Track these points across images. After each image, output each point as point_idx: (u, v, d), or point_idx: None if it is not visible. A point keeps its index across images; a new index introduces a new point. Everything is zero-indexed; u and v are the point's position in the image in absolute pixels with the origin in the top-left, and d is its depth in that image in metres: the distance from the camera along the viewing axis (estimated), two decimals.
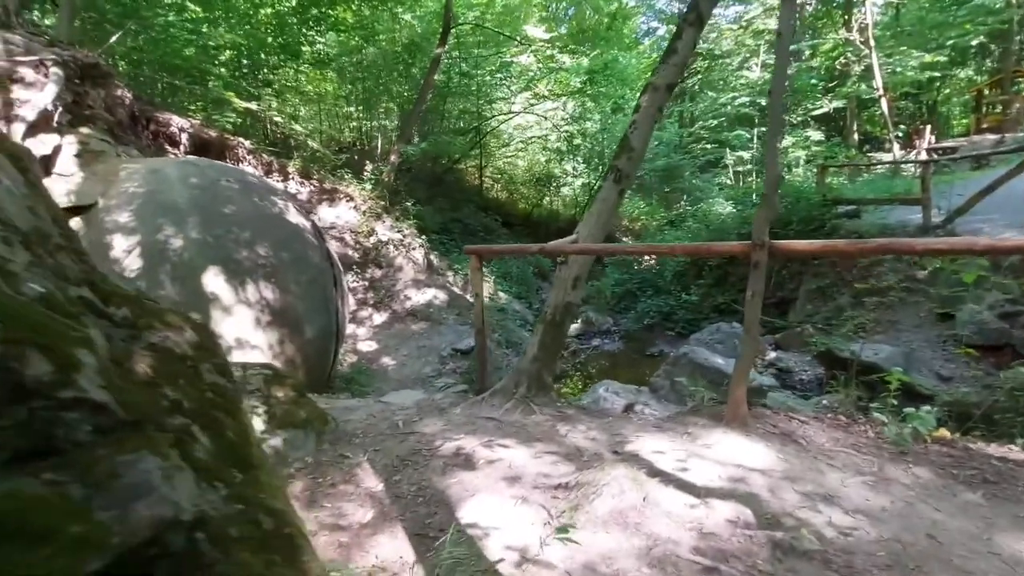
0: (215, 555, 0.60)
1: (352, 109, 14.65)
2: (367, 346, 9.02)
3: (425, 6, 14.45)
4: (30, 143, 4.95)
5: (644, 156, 4.37)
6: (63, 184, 5.18)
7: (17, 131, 4.74)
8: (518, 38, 14.56)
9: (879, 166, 13.63)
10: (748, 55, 18.86)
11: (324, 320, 6.07)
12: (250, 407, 3.17)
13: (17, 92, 4.99)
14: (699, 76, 19.15)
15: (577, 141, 16.87)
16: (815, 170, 11.73)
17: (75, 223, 5.09)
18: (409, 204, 11.74)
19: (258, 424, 3.10)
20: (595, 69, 13.79)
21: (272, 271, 5.53)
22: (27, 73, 5.18)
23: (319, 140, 13.62)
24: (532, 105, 15.31)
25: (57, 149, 5.26)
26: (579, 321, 11.65)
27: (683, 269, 10.80)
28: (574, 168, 18.27)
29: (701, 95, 19.98)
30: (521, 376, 3.92)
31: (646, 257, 13.29)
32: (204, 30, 11.68)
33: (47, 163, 5.17)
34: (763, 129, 15.30)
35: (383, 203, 11.69)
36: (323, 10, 12.18)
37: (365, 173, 11.70)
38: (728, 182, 17.30)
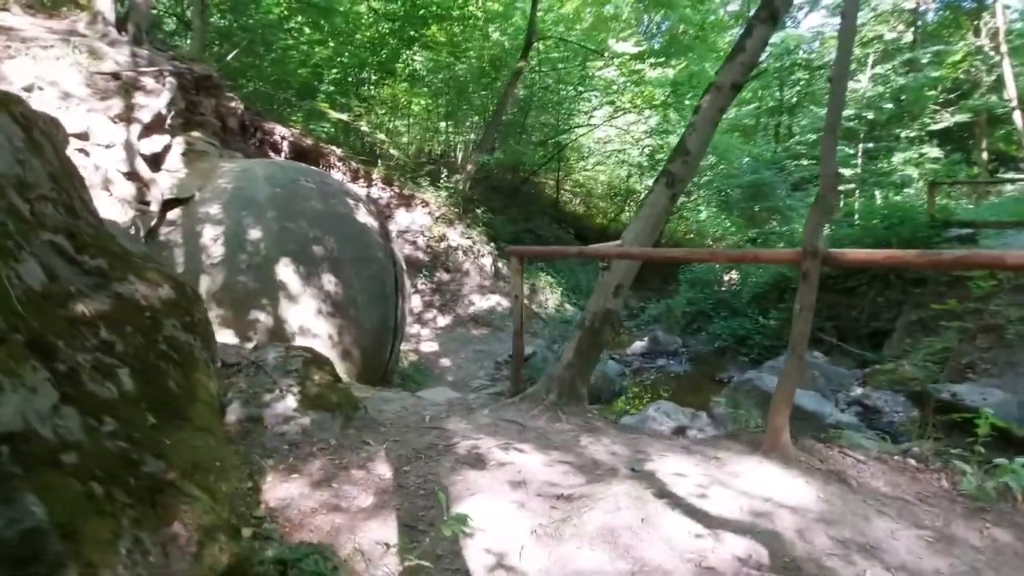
0: (14, 469, 0.61)
1: (439, 122, 15.32)
2: (428, 346, 9.26)
3: (513, 23, 14.84)
4: (144, 142, 5.65)
5: (701, 161, 4.11)
6: (169, 179, 5.86)
7: (134, 131, 5.44)
8: (603, 52, 14.48)
9: (1006, 184, 11.84)
10: (856, 65, 17.33)
11: (382, 314, 6.31)
12: (286, 386, 3.35)
13: (138, 98, 5.73)
14: (798, 88, 17.87)
15: (660, 155, 16.37)
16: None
17: (175, 213, 5.74)
18: (479, 211, 11.97)
19: (291, 402, 3.26)
20: (680, 81, 13.35)
21: (336, 265, 5.85)
22: (148, 82, 5.94)
23: (408, 151, 14.39)
24: (613, 117, 15.10)
25: (167, 148, 5.96)
26: (646, 339, 11.21)
27: (763, 291, 10.03)
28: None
29: (801, 109, 18.63)
30: (553, 383, 3.80)
31: (725, 277, 12.53)
32: (316, 50, 12.82)
33: (158, 160, 5.87)
34: (869, 145, 13.94)
35: (457, 210, 12.03)
36: (419, 31, 12.89)
37: (442, 181, 12.12)
38: None
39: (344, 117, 10.79)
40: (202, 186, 5.87)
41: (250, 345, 5.41)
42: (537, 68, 14.33)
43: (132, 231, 5.18)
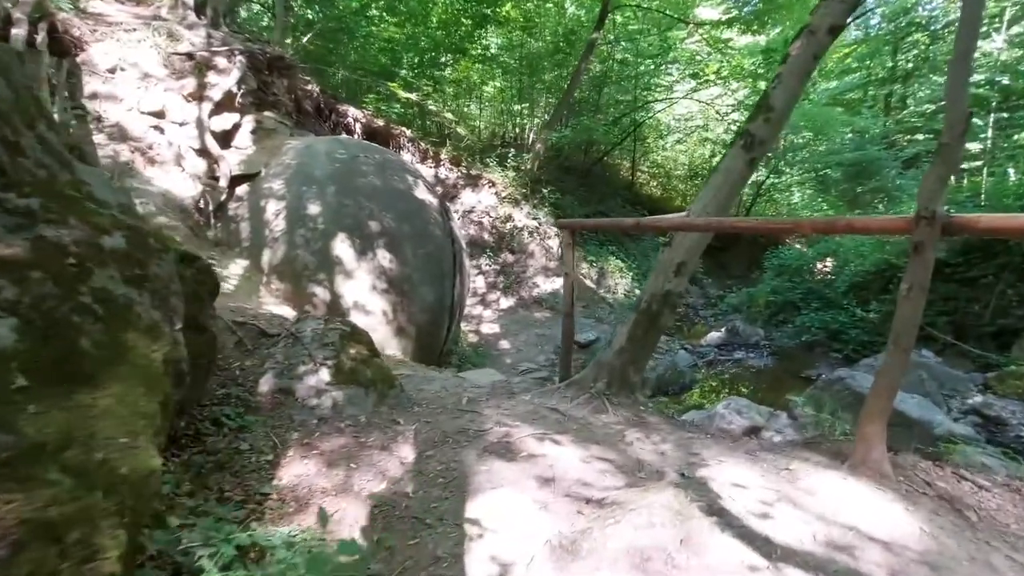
0: None
1: (512, 103, 15.02)
2: (489, 328, 9.13)
3: None
4: (215, 120, 5.86)
5: (786, 121, 3.51)
6: (237, 155, 6.06)
7: (205, 109, 5.64)
8: (687, 19, 13.42)
9: None
10: (987, 24, 14.76)
11: (438, 293, 6.20)
12: (320, 359, 3.26)
13: (210, 77, 5.93)
14: (915, 53, 15.59)
15: None
16: None
17: (243, 189, 5.93)
18: (546, 191, 11.59)
19: (324, 376, 3.17)
20: (773, 47, 12.04)
21: (392, 241, 5.79)
22: (220, 61, 6.15)
23: (479, 132, 14.27)
24: (696, 91, 14.02)
25: (237, 126, 6.16)
26: (723, 330, 10.38)
27: (863, 281, 8.88)
28: None
29: (919, 78, 16.28)
30: (602, 369, 3.45)
31: (819, 265, 11.29)
32: (392, 32, 12.94)
33: (228, 137, 6.08)
34: (1004, 115, 11.89)
35: (524, 191, 11.74)
36: (493, 8, 12.59)
37: (510, 161, 11.86)
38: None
39: (413, 97, 10.78)
40: (268, 163, 6.02)
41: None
42: (613, 40, 13.57)
43: (201, 205, 5.40)
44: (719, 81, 13.51)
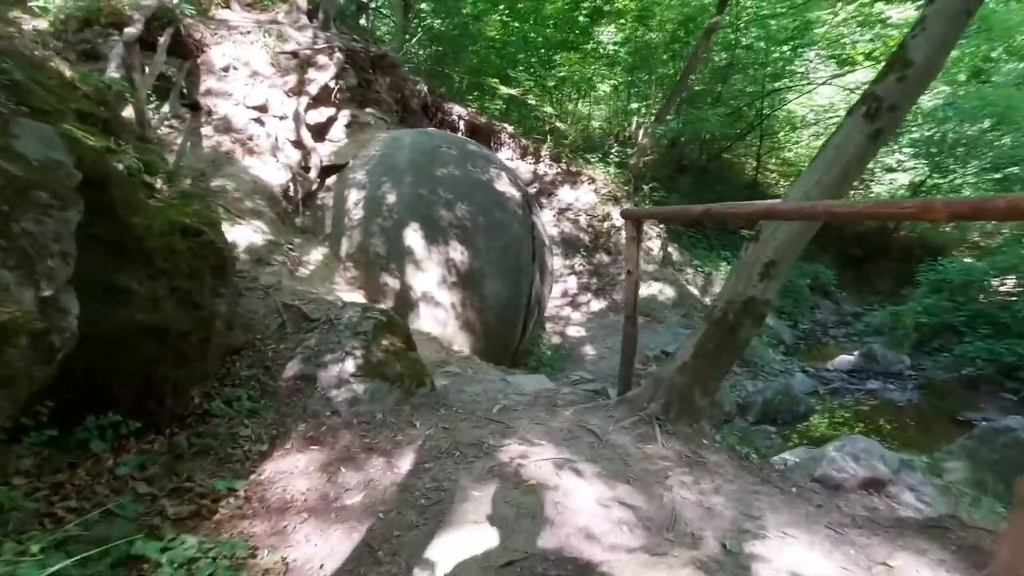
0: None
1: (622, 97, 14.29)
2: (575, 331, 8.63)
3: None
4: (311, 113, 6.13)
5: (928, 81, 2.61)
6: (330, 147, 6.29)
7: (303, 103, 5.90)
8: None
9: None
10: None
11: (512, 290, 5.90)
12: (349, 348, 3.10)
13: (311, 73, 6.22)
14: None
15: (908, 123, 12.68)
16: None
17: (332, 179, 6.14)
18: (647, 189, 10.74)
19: (349, 367, 3.00)
20: None
21: (466, 233, 5.59)
22: (321, 59, 6.43)
23: (587, 128, 13.76)
24: (838, 75, 12.15)
25: (332, 119, 6.40)
26: (857, 354, 8.77)
27: None
28: (897, 162, 13.86)
29: None
30: (660, 387, 2.86)
31: (994, 283, 9.07)
32: (508, 37, 12.99)
33: (323, 130, 6.34)
34: None
35: (626, 188, 11.03)
36: (608, 3, 12.03)
37: (612, 156, 11.21)
38: None
39: (514, 92, 10.61)
40: (356, 154, 6.17)
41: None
42: (737, 24, 12.24)
43: (290, 193, 5.66)
44: (868, 63, 11.53)
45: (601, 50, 12.93)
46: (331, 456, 2.34)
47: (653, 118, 11.73)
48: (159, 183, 2.39)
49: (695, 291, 10.10)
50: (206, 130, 5.29)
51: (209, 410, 2.49)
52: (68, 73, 2.70)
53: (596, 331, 8.62)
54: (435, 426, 2.73)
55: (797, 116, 14.69)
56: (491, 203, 5.94)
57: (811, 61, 13.25)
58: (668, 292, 9.39)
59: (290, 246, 4.97)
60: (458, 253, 5.54)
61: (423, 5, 14.22)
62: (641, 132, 12.73)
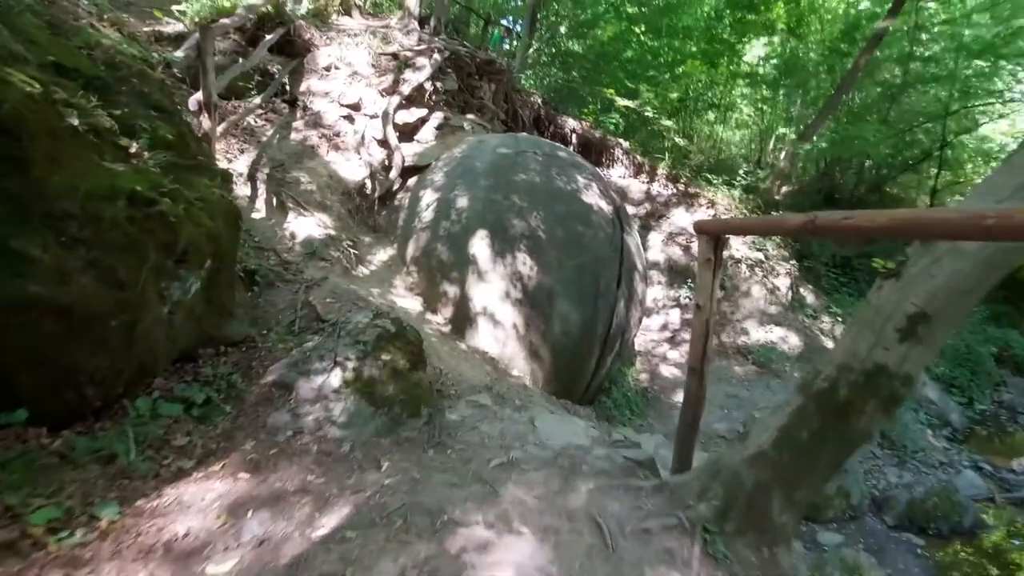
0: None
1: (765, 115, 12.72)
2: (669, 372, 7.51)
3: None
4: (402, 113, 6.02)
5: None
6: (417, 148, 6.12)
7: (393, 102, 5.81)
8: None
9: None
10: None
11: (587, 316, 5.14)
12: (342, 359, 2.65)
13: (407, 74, 6.14)
14: None
15: None
16: None
17: (413, 181, 5.95)
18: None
19: (334, 381, 2.55)
20: None
21: (537, 245, 4.99)
22: (421, 60, 6.34)
23: (719, 151, 12.46)
24: None
25: (423, 120, 6.25)
26: None
27: None
28: None
29: None
30: (716, 478, 1.97)
31: None
32: (651, 59, 12.35)
33: (413, 131, 6.21)
34: None
35: (753, 215, 9.59)
36: (760, 13, 10.80)
37: (739, 178, 9.85)
38: None
39: (631, 104, 9.83)
40: (440, 156, 5.91)
41: (436, 317, 5.13)
42: (915, 32, 10.18)
43: (368, 191, 5.53)
44: None
45: (745, 66, 11.62)
46: (256, 491, 1.87)
47: (795, 137, 10.13)
48: (135, 146, 2.15)
49: (830, 344, 8.33)
50: (297, 124, 5.38)
51: (156, 410, 2.17)
52: (106, 41, 2.63)
53: None
54: (403, 473, 2.15)
55: (993, 143, 11.83)
56: (572, 215, 5.27)
57: (1018, 77, 10.60)
58: (793, 341, 7.84)
59: (350, 243, 4.78)
60: (526, 267, 4.94)
61: (562, 29, 14.15)
62: (783, 155, 11.12)
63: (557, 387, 5.25)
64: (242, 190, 4.55)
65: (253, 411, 2.38)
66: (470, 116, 7.12)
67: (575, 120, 11.10)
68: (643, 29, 12.29)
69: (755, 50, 12.09)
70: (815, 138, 9.39)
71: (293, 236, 4.36)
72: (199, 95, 3.67)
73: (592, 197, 5.57)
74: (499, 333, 5.00)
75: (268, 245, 4.16)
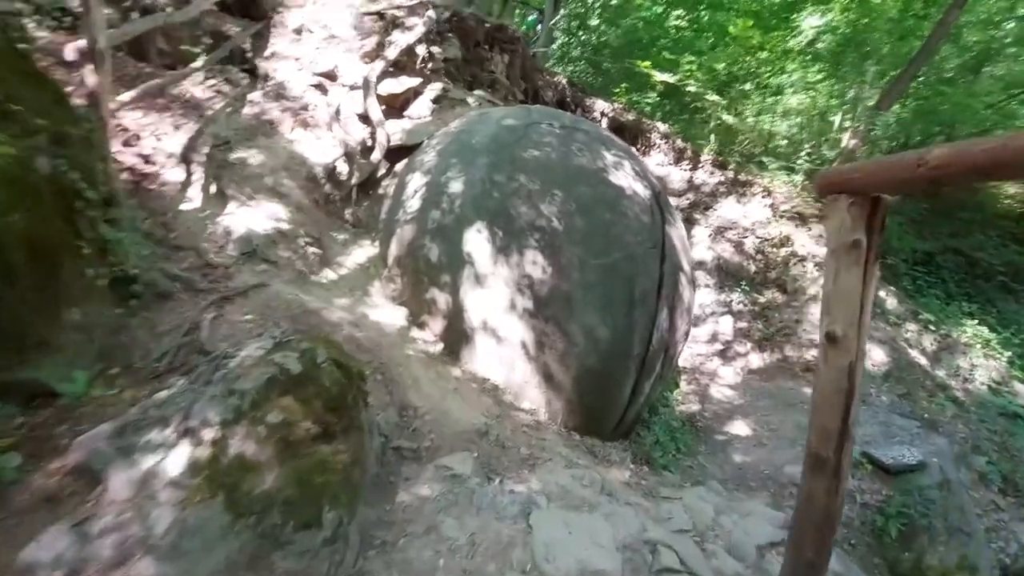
0: None
1: (823, 92, 11.11)
2: (722, 395, 6.19)
3: None
4: (387, 82, 4.95)
5: None
6: (405, 124, 5.03)
7: (376, 68, 4.75)
8: None
9: None
10: None
11: (619, 330, 3.91)
12: (196, 426, 1.55)
13: (394, 35, 5.08)
14: None
15: None
16: None
17: (400, 165, 4.87)
18: None
19: (170, 465, 1.45)
20: None
21: (551, 239, 3.82)
22: (412, 21, 5.27)
23: (771, 135, 10.96)
24: None
25: (416, 92, 5.17)
26: None
27: None
28: None
29: None
30: None
31: None
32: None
33: (403, 104, 5.13)
34: None
35: (818, 205, 8.13)
36: None
37: (801, 161, 8.38)
38: None
39: (670, 79, 8.50)
40: (434, 133, 4.82)
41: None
42: None
43: (343, 176, 4.48)
44: None
45: (799, 39, 10.09)
46: None
47: (868, 109, 8.55)
48: None
49: (921, 359, 6.79)
50: (254, 96, 4.39)
51: None
52: None
53: (755, 399, 6.06)
54: None
55: None
56: (598, 200, 4.06)
57: None
58: (876, 355, 6.38)
59: (310, 240, 3.72)
60: (538, 268, 3.78)
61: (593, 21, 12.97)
62: (847, 134, 9.55)
63: (581, 420, 4.08)
64: (173, 175, 3.57)
65: (14, 527, 1.30)
66: (478, 92, 6.01)
67: (605, 102, 9.87)
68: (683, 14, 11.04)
69: (811, 19, 10.58)
70: (894, 108, 7.83)
71: (228, 232, 3.34)
72: (80, 42, 2.70)
73: (624, 178, 4.35)
74: (504, 353, 3.84)
75: (190, 243, 3.14)
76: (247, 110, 4.26)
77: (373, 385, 2.96)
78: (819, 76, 10.81)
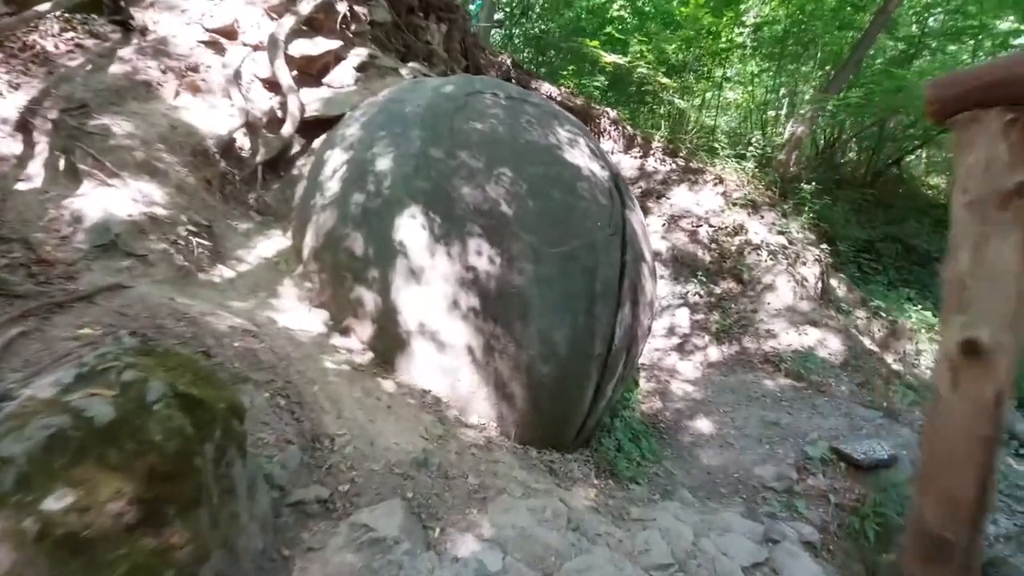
0: None
1: (767, 82, 11.12)
2: (683, 391, 5.83)
3: None
4: (302, 43, 4.19)
5: None
6: (324, 93, 4.29)
7: (286, 24, 3.98)
8: None
9: None
10: None
11: (579, 329, 3.38)
12: None
13: None
14: None
15: None
16: None
17: (319, 141, 4.13)
18: (808, 190, 7.62)
19: None
20: None
21: (499, 225, 3.23)
22: None
23: (709, 121, 10.85)
24: None
25: (335, 57, 4.42)
26: None
27: None
28: None
29: None
30: None
31: None
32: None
33: (321, 70, 4.37)
34: None
35: (769, 192, 8.01)
36: None
37: (751, 149, 8.22)
38: None
39: (620, 59, 8.11)
40: (357, 103, 4.10)
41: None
42: None
43: (245, 153, 3.70)
44: None
45: (742, 32, 9.98)
46: None
47: (810, 100, 8.51)
48: None
49: (871, 345, 6.76)
50: (125, 52, 3.52)
51: None
52: None
53: (718, 395, 5.74)
54: None
55: None
56: (552, 180, 3.52)
57: None
58: (833, 344, 6.24)
59: (194, 228, 2.94)
60: (484, 260, 3.18)
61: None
62: (790, 124, 9.53)
63: (538, 433, 3.54)
64: (6, 145, 2.70)
65: None
66: (413, 64, 5.32)
67: (552, 85, 9.38)
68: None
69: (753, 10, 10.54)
70: (840, 94, 7.78)
71: (77, 218, 2.53)
72: None
73: (580, 157, 3.83)
74: (446, 361, 3.23)
75: (20, 233, 2.32)
76: (115, 68, 3.39)
77: (272, 415, 2.27)
78: (758, 69, 10.81)
